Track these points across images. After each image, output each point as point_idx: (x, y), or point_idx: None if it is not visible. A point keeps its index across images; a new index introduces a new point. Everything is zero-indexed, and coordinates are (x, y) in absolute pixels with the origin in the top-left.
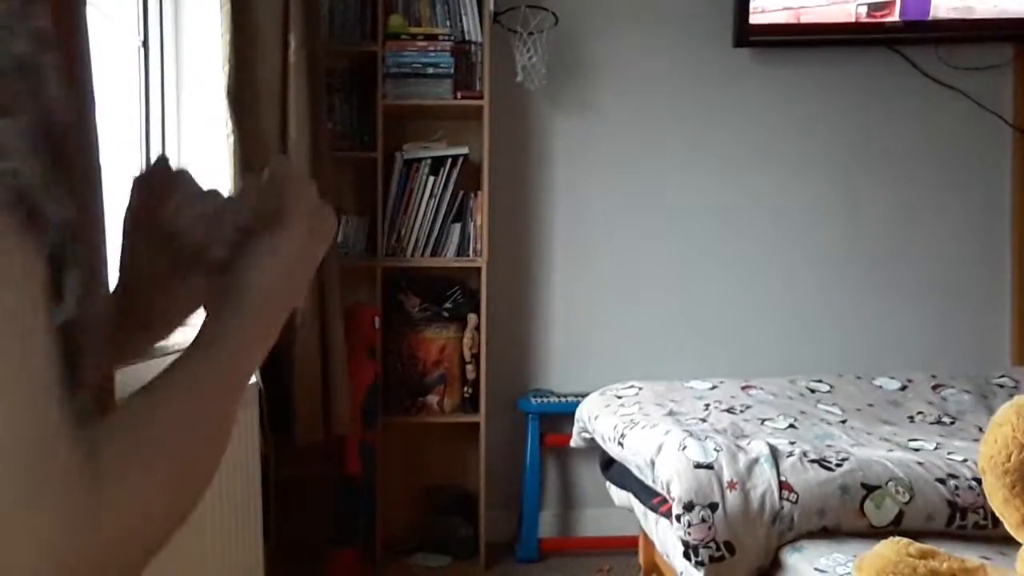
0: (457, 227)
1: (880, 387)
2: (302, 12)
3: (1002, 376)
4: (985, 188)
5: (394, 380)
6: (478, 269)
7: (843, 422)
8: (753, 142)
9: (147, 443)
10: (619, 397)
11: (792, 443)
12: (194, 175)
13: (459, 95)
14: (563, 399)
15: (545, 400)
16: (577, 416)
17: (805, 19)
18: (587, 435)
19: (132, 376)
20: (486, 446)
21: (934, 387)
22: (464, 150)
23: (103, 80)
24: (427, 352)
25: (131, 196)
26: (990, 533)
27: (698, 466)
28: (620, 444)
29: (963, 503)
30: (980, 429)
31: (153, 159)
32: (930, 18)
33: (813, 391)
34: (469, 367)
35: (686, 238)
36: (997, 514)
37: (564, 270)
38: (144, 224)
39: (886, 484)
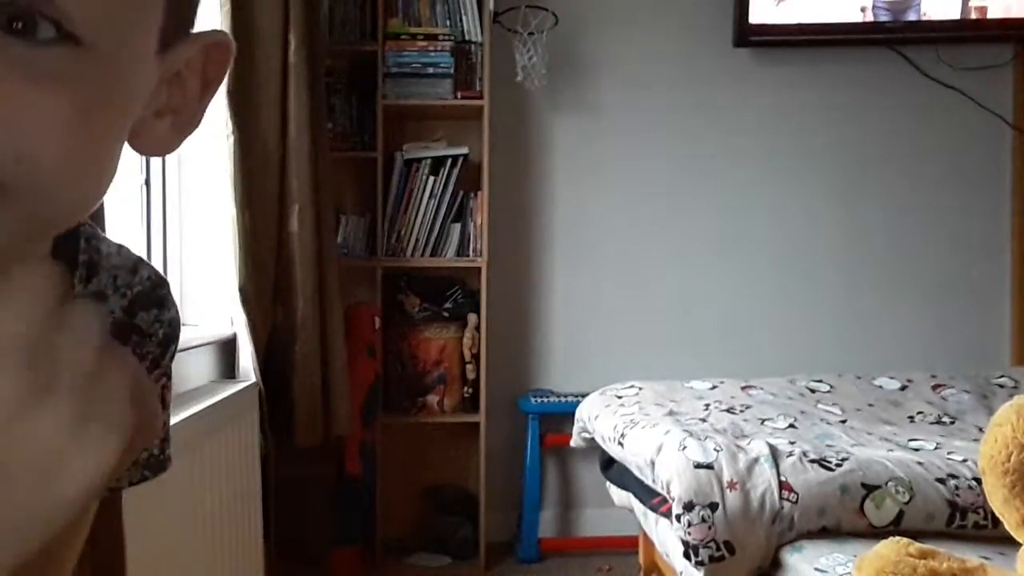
0: (457, 227)
1: (880, 387)
2: (302, 12)
3: (1002, 376)
4: (985, 188)
5: (394, 380)
6: (478, 269)
7: (843, 422)
8: (753, 142)
9: None
10: (619, 397)
11: (792, 443)
12: None
13: (459, 95)
14: (563, 399)
15: (545, 400)
16: (577, 416)
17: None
18: (587, 435)
19: None
20: (486, 446)
21: (934, 387)
22: (464, 150)
23: None
24: (427, 352)
25: None
26: (990, 533)
27: (698, 466)
28: (620, 444)
29: (963, 503)
30: (980, 429)
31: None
32: (929, 18)
33: (813, 391)
34: (469, 367)
35: (686, 238)
36: (997, 514)
37: (564, 270)
38: None
39: (886, 484)
